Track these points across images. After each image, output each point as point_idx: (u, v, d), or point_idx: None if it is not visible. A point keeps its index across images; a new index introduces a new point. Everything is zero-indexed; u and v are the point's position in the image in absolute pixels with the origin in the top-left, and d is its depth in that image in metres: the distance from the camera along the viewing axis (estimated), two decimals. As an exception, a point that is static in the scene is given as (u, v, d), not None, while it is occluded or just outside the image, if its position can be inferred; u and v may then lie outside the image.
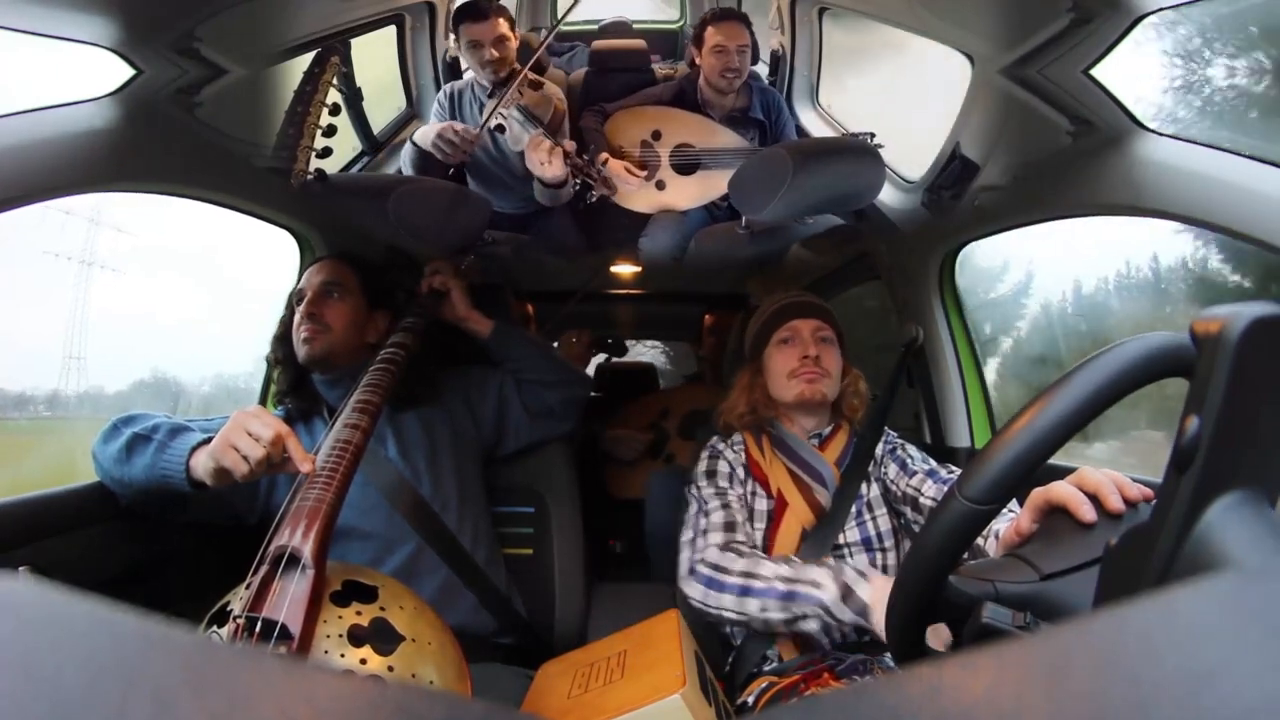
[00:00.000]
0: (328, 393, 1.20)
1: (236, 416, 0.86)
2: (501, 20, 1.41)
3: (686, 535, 1.13)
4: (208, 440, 0.91)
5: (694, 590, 1.03)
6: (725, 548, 1.06)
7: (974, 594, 0.51)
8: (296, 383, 1.22)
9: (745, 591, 0.99)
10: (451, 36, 1.49)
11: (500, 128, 1.40)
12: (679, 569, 1.10)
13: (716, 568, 1.03)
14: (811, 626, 0.96)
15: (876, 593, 0.92)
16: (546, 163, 1.35)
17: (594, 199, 1.42)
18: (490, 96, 1.42)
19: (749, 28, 1.51)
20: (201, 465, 0.89)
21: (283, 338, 1.23)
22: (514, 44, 1.43)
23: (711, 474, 1.20)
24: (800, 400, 1.19)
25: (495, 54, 1.40)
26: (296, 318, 1.19)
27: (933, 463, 1.18)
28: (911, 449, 1.22)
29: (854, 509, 1.16)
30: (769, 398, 1.23)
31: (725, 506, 1.13)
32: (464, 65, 1.51)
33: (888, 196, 1.43)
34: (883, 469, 1.21)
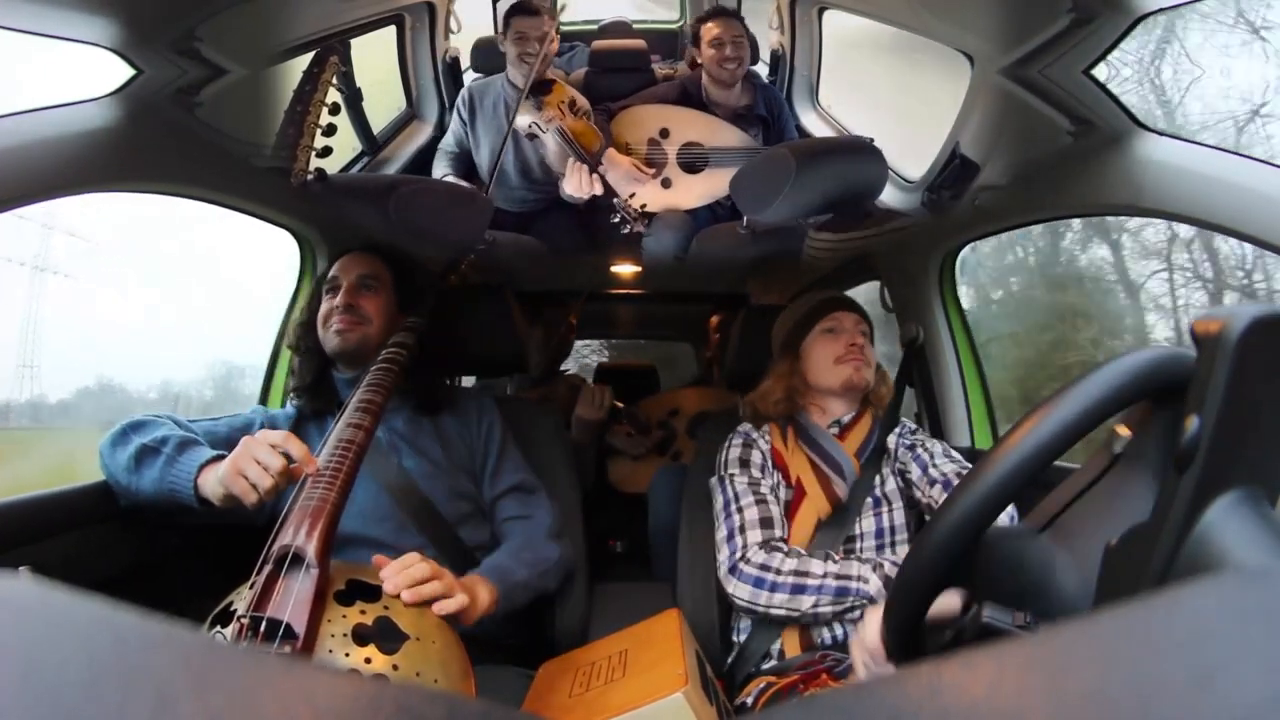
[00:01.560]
0: (345, 390, 1.17)
1: (246, 444, 0.87)
2: (549, 20, 1.43)
3: (721, 532, 1.14)
4: (217, 458, 0.92)
5: (741, 590, 1.06)
6: (767, 547, 1.08)
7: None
8: (318, 377, 1.18)
9: (799, 590, 1.03)
10: (479, 25, 1.51)
11: (532, 135, 1.42)
12: (718, 566, 1.12)
13: (765, 567, 1.06)
14: (857, 615, 1.03)
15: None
16: (583, 191, 1.40)
17: (626, 229, 1.45)
18: (528, 98, 1.43)
19: (743, 24, 1.53)
20: (210, 488, 0.90)
21: (308, 325, 1.19)
22: (555, 47, 1.45)
23: (745, 463, 1.21)
24: (847, 384, 1.22)
25: (534, 50, 1.41)
26: (325, 308, 1.15)
27: (953, 460, 1.17)
28: (935, 446, 1.20)
29: (870, 500, 1.18)
30: (807, 385, 1.26)
31: (760, 501, 1.14)
32: (503, 60, 1.51)
33: (888, 196, 1.43)
34: (901, 463, 1.21)
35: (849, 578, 1.03)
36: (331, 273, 1.20)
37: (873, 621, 0.87)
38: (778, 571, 1.05)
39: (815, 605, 1.03)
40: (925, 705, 0.14)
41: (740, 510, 1.14)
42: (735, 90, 1.54)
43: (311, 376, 1.18)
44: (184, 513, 0.98)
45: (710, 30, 1.52)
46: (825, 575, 1.03)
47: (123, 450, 0.98)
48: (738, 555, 1.09)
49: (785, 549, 1.08)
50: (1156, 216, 1.01)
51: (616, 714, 0.81)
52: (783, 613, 1.04)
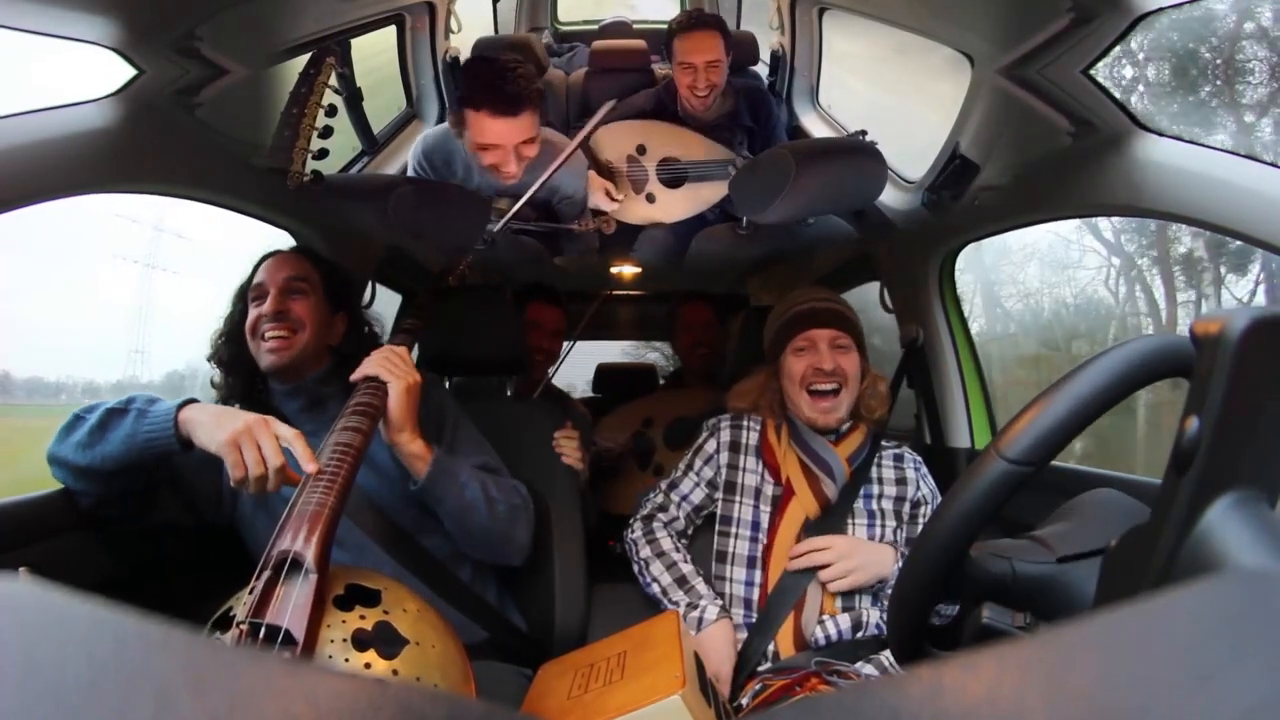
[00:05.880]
0: (286, 403, 1.09)
1: (256, 424, 0.85)
2: (534, 115, 1.16)
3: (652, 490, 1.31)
4: (192, 401, 0.91)
5: (626, 539, 1.27)
6: (648, 524, 1.26)
7: (993, 571, 0.51)
8: (246, 391, 1.10)
9: (643, 575, 1.22)
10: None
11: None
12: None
13: (634, 542, 1.25)
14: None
15: (711, 629, 1.11)
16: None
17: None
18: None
19: (722, 31, 1.42)
20: (194, 428, 0.88)
21: (232, 337, 1.09)
22: (534, 151, 1.22)
23: (714, 450, 1.25)
24: (812, 425, 1.18)
25: (515, 169, 1.22)
26: (253, 316, 1.06)
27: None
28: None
29: (865, 508, 1.17)
30: (786, 400, 1.21)
31: (673, 488, 1.27)
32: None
33: (888, 196, 1.43)
34: (914, 492, 1.21)
35: (667, 594, 1.18)
36: (256, 278, 1.09)
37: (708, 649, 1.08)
38: (637, 553, 1.24)
39: (647, 588, 1.21)
40: (925, 706, 0.14)
41: (659, 489, 1.28)
42: (713, 104, 1.46)
43: (241, 392, 1.09)
44: (156, 467, 0.94)
45: (679, 50, 1.40)
46: (655, 580, 1.20)
47: (80, 428, 0.93)
48: (635, 515, 1.28)
49: (656, 534, 1.23)
50: (1157, 217, 1.02)
51: (614, 716, 0.81)
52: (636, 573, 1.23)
